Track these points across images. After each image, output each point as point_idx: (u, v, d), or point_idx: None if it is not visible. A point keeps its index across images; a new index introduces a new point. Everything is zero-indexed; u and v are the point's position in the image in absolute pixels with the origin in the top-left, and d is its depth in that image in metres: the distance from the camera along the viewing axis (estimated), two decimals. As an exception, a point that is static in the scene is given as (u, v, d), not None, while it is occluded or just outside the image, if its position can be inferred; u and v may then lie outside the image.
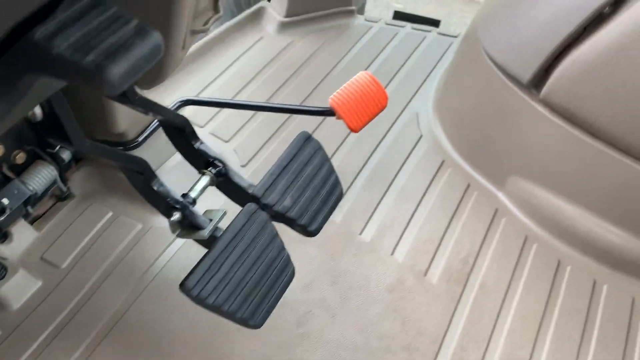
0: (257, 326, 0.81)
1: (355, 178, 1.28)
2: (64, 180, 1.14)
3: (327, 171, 0.96)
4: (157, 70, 0.71)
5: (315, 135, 1.36)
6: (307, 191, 0.91)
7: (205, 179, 0.89)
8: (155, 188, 0.84)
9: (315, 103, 1.43)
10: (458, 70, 1.39)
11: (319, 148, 0.97)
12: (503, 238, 1.20)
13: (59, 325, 0.98)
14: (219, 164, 0.90)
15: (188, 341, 0.98)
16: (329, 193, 0.94)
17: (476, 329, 1.05)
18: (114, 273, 1.06)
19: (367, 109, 1.10)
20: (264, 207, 0.87)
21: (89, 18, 0.40)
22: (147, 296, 1.03)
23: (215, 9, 0.72)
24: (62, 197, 1.15)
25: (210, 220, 0.86)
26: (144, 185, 0.85)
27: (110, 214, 1.15)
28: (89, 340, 0.96)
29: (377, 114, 1.12)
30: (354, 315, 1.05)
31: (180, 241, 1.11)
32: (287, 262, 0.86)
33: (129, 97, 0.73)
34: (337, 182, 0.96)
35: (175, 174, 1.18)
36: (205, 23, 0.72)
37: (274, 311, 1.02)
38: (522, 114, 1.18)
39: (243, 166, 1.27)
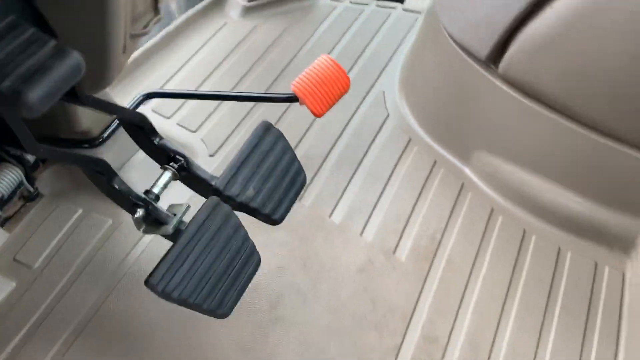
0: (225, 315, 0.83)
1: (324, 161, 1.29)
2: (31, 180, 1.14)
3: (289, 159, 0.97)
4: (99, 75, 0.71)
5: (283, 121, 1.37)
6: (270, 180, 0.93)
7: (167, 174, 0.90)
8: (116, 187, 0.85)
9: (281, 88, 1.43)
10: (420, 48, 1.39)
11: (280, 137, 0.98)
12: (469, 212, 1.23)
13: (34, 324, 1.00)
14: (180, 159, 0.91)
15: (164, 331, 1.00)
16: (292, 181, 0.96)
17: (444, 303, 1.08)
18: (86, 270, 1.07)
19: (329, 93, 1.11)
20: (227, 199, 0.88)
21: (5, 41, 0.40)
22: (120, 290, 1.04)
23: (155, 11, 0.72)
24: (31, 198, 1.16)
25: (175, 214, 0.87)
26: (106, 184, 0.85)
27: (80, 211, 1.16)
28: (65, 337, 0.98)
29: (339, 98, 1.13)
30: (326, 297, 1.07)
31: (150, 235, 1.13)
32: (252, 251, 0.88)
33: (81, 100, 0.73)
34: (299, 170, 0.98)
35: (143, 168, 1.18)
36: (146, 26, 0.72)
37: (248, 296, 1.05)
38: (483, 89, 1.20)
39: (212, 155, 1.28)
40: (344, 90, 1.13)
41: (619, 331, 1.06)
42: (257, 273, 1.00)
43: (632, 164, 1.07)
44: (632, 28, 0.93)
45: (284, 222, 1.09)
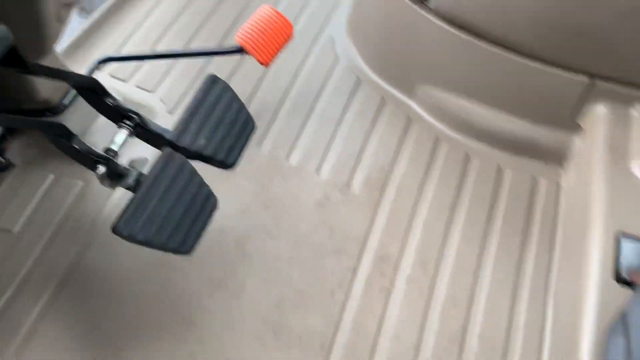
0: (189, 252, 0.92)
1: (279, 109, 1.37)
2: (2, 152, 1.21)
3: (237, 108, 1.04)
4: (38, 43, 0.77)
5: (237, 73, 1.43)
6: (220, 129, 1.01)
7: (123, 132, 0.97)
8: (77, 147, 0.92)
9: (233, 42, 1.49)
10: (362, -9, 1.45)
11: (226, 88, 1.05)
12: (416, 143, 1.32)
13: (19, 286, 1.09)
14: (134, 116, 0.98)
15: (139, 278, 1.09)
16: (242, 128, 1.04)
17: (395, 225, 1.19)
18: (63, 229, 1.15)
19: (273, 42, 1.17)
20: (181, 149, 0.96)
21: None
22: (97, 246, 1.13)
23: (83, -20, 0.77)
24: (3, 168, 1.23)
25: (134, 168, 0.95)
26: (67, 146, 0.93)
27: (51, 177, 1.23)
28: (49, 293, 1.07)
29: (284, 45, 1.20)
30: (288, 232, 1.17)
31: (120, 191, 1.21)
32: (209, 195, 0.96)
33: (31, 70, 0.79)
34: (248, 117, 1.05)
35: (105, 130, 1.25)
36: (76, -5, 0.78)
37: (216, 238, 1.15)
38: (419, 26, 1.27)
39: (170, 112, 1.35)
40: (288, 37, 1.20)
41: (554, 234, 1.18)
42: (222, 217, 1.10)
43: (556, 82, 1.16)
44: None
45: (244, 168, 1.18)
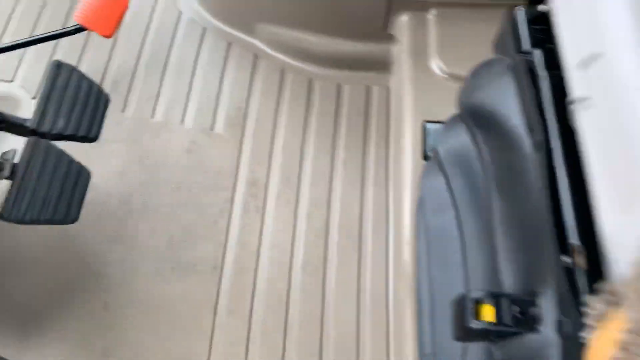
0: (75, 220, 1.08)
1: (135, 72, 1.48)
2: None
3: (87, 85, 1.16)
4: None
5: (88, 48, 1.51)
6: (76, 108, 1.13)
7: (-14, 130, 1.08)
8: (-53, 153, 1.03)
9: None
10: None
11: (72, 70, 1.16)
12: (265, 77, 1.49)
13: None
14: (-7, 113, 1.09)
15: (44, 252, 1.24)
16: (96, 102, 1.16)
17: (259, 154, 1.38)
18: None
19: (111, 13, 1.28)
20: (43, 134, 1.09)
21: None
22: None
23: None
24: None
25: (7, 160, 1.07)
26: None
27: None
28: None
29: (122, 14, 1.31)
30: (165, 181, 1.34)
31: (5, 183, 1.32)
32: (80, 169, 1.10)
33: None
34: (100, 92, 1.18)
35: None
36: None
37: (104, 202, 1.30)
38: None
39: (34, 98, 1.44)
40: (124, 5, 1.30)
41: (387, 132, 1.41)
42: (104, 182, 1.25)
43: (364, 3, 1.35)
44: None
45: (114, 135, 1.31)
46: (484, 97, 0.78)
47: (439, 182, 0.95)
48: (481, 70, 0.81)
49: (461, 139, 0.84)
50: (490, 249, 0.75)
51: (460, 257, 0.86)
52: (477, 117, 0.81)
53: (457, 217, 0.88)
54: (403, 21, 1.37)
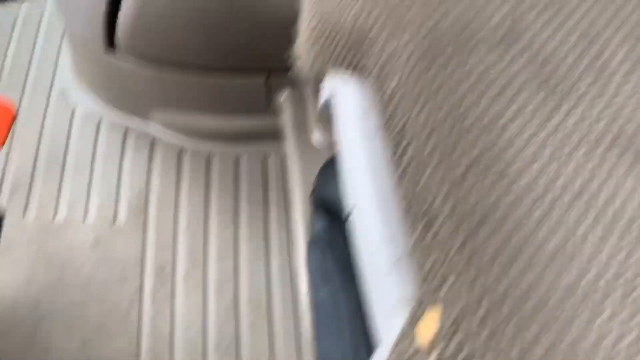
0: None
1: (33, 175, 1.50)
2: None
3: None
4: None
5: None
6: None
7: None
8: None
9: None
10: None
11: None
12: (163, 160, 1.54)
13: None
14: None
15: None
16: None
17: (164, 239, 1.42)
18: None
19: (-2, 125, 1.31)
20: None
21: None
22: None
23: None
24: None
25: None
26: None
27: None
28: None
29: (11, 121, 1.34)
30: (74, 280, 1.36)
31: None
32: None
33: None
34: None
35: None
36: None
37: (10, 311, 1.30)
38: (124, 67, 1.46)
39: None
40: (11, 114, 1.34)
41: (287, 200, 1.48)
42: (12, 291, 1.26)
43: (240, 83, 1.43)
44: None
45: (16, 242, 1.33)
46: (331, 191, 0.86)
47: (317, 256, 1.02)
48: (328, 165, 0.89)
49: (320, 224, 0.92)
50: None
51: (339, 331, 0.92)
52: (328, 209, 0.89)
53: (332, 292, 0.95)
54: (285, 97, 1.46)
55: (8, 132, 1.33)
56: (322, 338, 1.00)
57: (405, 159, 0.50)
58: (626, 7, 0.55)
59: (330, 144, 1.30)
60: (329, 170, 0.88)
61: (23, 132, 1.53)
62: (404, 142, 0.50)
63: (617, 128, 0.49)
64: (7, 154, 1.53)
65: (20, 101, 1.60)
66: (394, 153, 0.52)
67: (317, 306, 1.03)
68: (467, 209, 0.46)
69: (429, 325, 0.49)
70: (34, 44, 1.74)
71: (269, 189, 1.50)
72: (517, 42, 0.47)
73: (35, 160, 1.53)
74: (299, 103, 1.43)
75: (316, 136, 1.29)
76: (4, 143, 1.31)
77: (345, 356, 0.91)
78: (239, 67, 1.39)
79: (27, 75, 1.67)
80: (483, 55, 0.46)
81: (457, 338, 0.46)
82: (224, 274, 1.38)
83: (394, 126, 0.51)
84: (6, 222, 1.38)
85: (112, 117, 1.59)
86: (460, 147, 0.47)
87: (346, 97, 0.60)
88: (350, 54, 0.53)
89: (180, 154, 1.55)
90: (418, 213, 0.50)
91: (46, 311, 1.32)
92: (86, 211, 1.46)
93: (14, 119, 1.34)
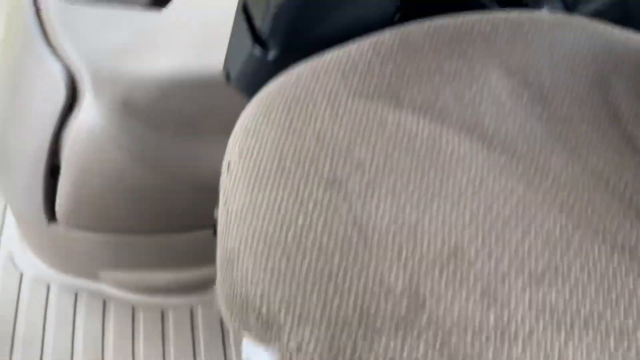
0: None
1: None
2: None
3: None
4: None
5: None
6: None
7: None
8: None
9: None
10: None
11: None
12: (117, 319, 1.51)
13: None
14: None
15: None
16: None
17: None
18: None
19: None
20: None
21: None
22: None
23: None
24: None
25: None
26: None
27: None
28: None
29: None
30: None
31: None
32: None
33: None
34: None
35: None
36: None
37: None
38: (69, 236, 1.46)
39: None
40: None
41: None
42: None
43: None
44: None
45: None
46: None
47: None
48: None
49: None
50: None
51: None
52: None
53: None
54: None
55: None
56: None
57: None
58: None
59: None
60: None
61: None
62: None
63: None
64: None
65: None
66: None
67: None
68: None
69: None
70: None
71: (225, 337, 1.49)
72: (420, 318, 0.49)
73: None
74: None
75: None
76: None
77: None
78: (185, 226, 1.41)
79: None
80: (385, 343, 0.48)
81: None
82: None
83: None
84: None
85: (61, 279, 1.57)
86: None
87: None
88: (262, 332, 0.55)
89: (134, 310, 1.53)
90: None
91: None
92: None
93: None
